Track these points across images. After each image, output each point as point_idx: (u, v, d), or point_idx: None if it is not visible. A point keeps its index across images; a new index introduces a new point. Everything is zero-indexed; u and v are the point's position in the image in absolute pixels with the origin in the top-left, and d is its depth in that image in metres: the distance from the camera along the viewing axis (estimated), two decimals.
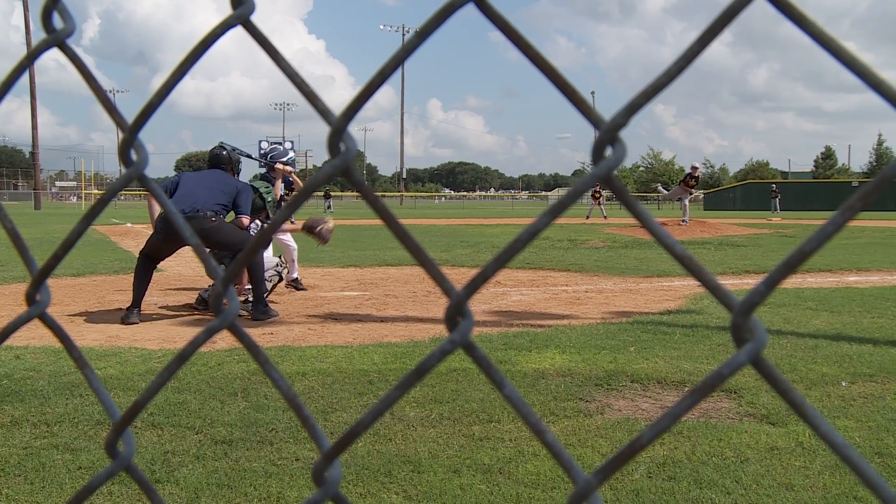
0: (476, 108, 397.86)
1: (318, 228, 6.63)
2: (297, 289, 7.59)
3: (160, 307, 6.38)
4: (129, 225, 21.49)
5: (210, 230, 5.74)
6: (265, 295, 6.09)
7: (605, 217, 29.07)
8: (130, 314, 5.62)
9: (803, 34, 0.35)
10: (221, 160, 6.48)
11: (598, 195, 31.04)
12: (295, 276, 7.68)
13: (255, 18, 0.47)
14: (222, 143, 6.60)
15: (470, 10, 0.42)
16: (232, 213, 6.22)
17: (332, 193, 49.26)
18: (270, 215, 6.70)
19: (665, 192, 22.96)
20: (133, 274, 5.87)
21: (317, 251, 11.94)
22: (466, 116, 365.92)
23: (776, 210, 35.04)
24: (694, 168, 19.68)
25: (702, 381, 0.38)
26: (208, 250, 5.63)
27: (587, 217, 28.96)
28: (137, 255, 5.96)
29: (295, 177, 7.27)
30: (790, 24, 0.36)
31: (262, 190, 6.62)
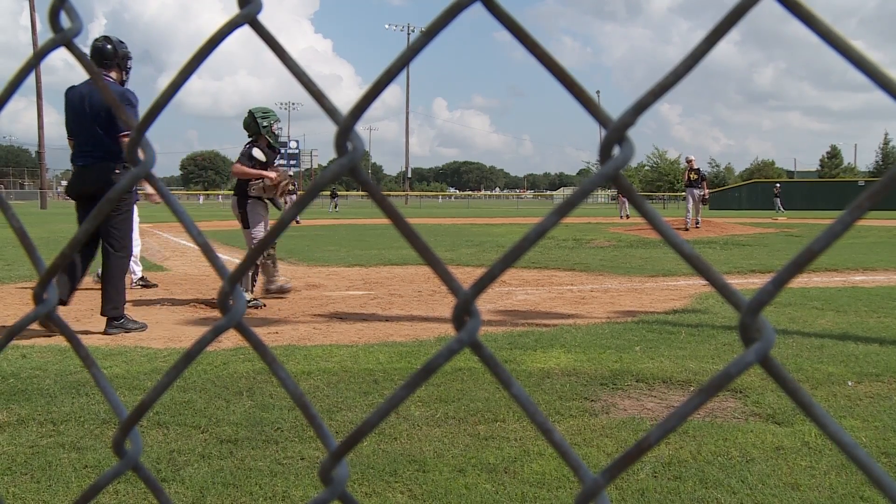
0: (482, 107, 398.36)
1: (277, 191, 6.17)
2: (145, 286, 7.48)
3: (165, 306, 6.40)
4: None
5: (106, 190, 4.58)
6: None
7: (627, 216, 27.87)
8: (127, 322, 5.11)
9: (810, 33, 0.35)
10: (106, 55, 4.90)
11: None
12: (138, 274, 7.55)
13: (262, 17, 0.47)
14: (107, 36, 5.08)
15: (475, 10, 0.42)
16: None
17: (339, 193, 49.17)
18: (271, 142, 6.21)
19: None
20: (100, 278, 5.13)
21: (321, 250, 11.96)
22: (472, 116, 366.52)
23: (780, 209, 34.95)
24: (689, 160, 18.67)
25: (709, 381, 0.38)
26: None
27: (622, 216, 28.35)
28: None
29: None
30: (797, 23, 0.35)
31: (258, 115, 5.92)
